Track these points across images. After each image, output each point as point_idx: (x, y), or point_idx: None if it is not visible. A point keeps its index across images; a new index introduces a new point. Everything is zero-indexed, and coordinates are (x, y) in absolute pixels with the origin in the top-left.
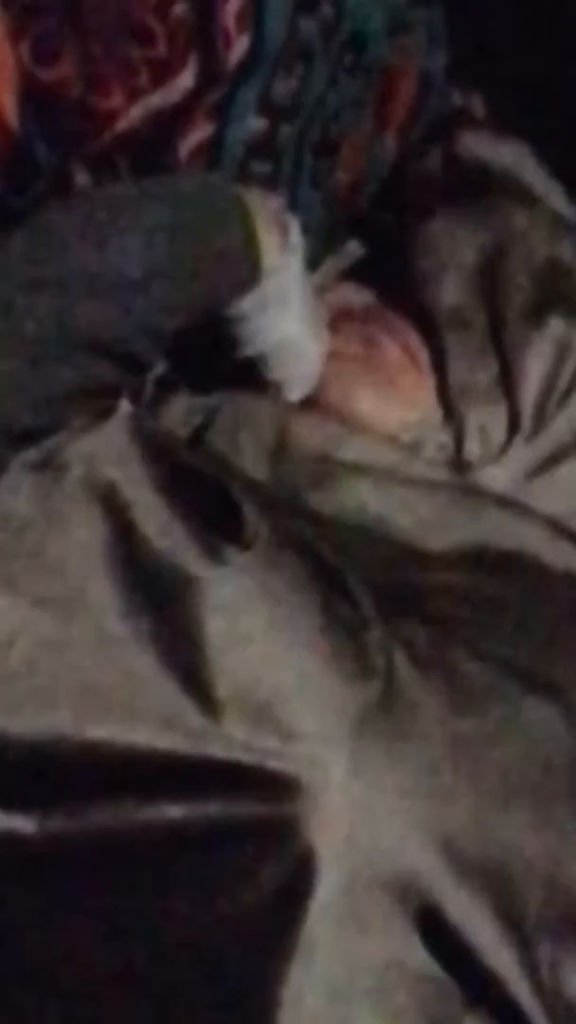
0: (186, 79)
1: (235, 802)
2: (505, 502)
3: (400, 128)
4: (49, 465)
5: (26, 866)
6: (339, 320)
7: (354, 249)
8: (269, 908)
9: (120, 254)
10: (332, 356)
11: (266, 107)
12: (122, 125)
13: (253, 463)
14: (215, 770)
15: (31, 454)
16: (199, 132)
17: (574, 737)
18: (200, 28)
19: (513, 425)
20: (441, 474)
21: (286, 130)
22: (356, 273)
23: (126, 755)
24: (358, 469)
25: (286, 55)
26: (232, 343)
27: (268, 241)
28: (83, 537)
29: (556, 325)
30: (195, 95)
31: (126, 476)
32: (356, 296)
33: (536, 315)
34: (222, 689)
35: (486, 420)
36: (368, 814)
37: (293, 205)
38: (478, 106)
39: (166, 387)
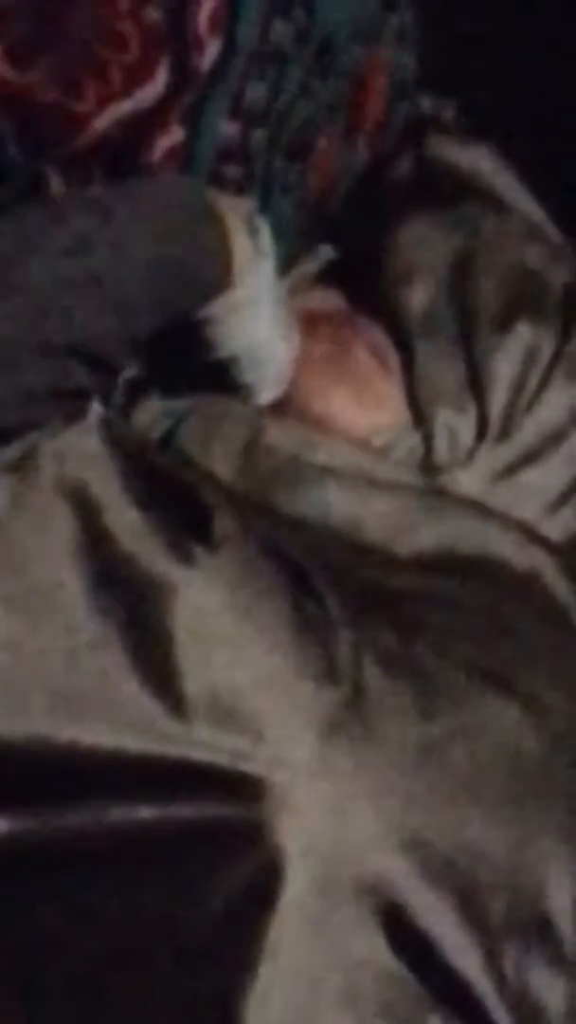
0: (159, 83)
1: (203, 803)
2: (473, 505)
3: (371, 133)
4: (21, 466)
5: None
6: (310, 323)
7: (325, 253)
8: (237, 908)
9: (92, 257)
10: (303, 359)
11: (238, 111)
12: (95, 129)
13: (223, 465)
14: (184, 771)
15: (2, 455)
16: (171, 136)
17: (540, 739)
18: (173, 32)
19: (482, 429)
20: (410, 477)
21: (258, 134)
22: (327, 277)
23: (95, 756)
24: (327, 472)
25: (258, 60)
26: (203, 346)
27: (239, 245)
28: (54, 538)
29: (524, 330)
30: (168, 99)
31: (97, 478)
32: (327, 300)
33: (505, 320)
34: (191, 690)
35: (455, 424)
36: (335, 815)
37: (264, 209)
38: (448, 112)
39: (138, 389)
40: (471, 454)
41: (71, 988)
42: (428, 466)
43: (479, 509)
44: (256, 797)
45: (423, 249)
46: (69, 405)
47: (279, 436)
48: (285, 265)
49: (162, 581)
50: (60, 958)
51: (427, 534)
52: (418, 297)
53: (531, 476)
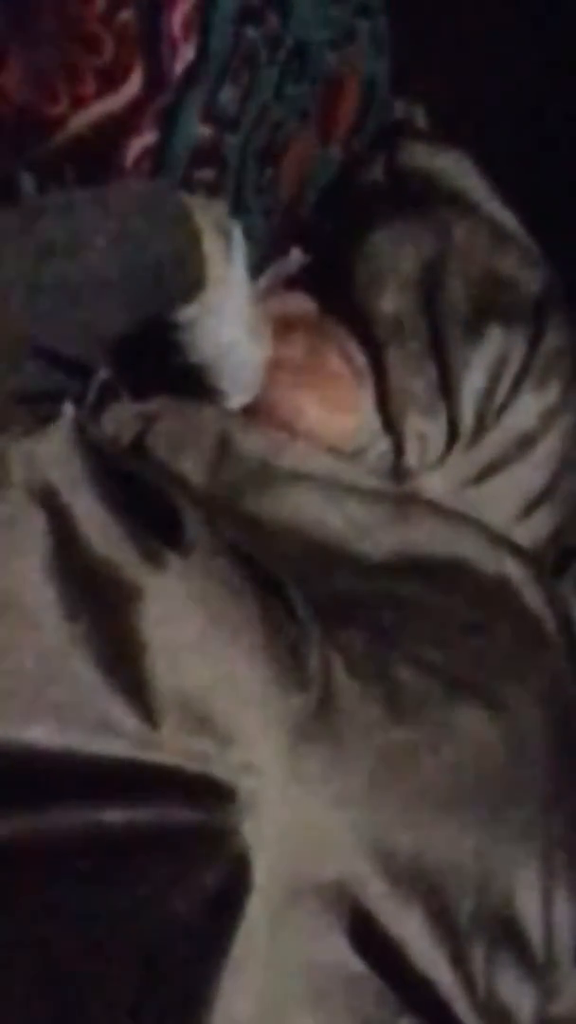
0: (132, 86)
1: (171, 807)
2: (443, 510)
3: (343, 138)
4: None
5: None
6: (281, 328)
7: (296, 257)
8: (204, 912)
9: (64, 261)
10: (274, 364)
11: (211, 115)
12: (68, 131)
13: (194, 469)
14: (152, 775)
15: None
16: (144, 139)
17: (506, 744)
18: (146, 36)
19: (452, 435)
20: (380, 482)
21: (230, 138)
22: (298, 281)
23: (64, 759)
24: (298, 476)
25: (232, 64)
26: (175, 350)
27: (212, 249)
28: (24, 541)
29: (495, 336)
30: (141, 102)
31: (67, 480)
32: (298, 304)
33: (476, 325)
34: (160, 695)
35: (425, 429)
36: (303, 820)
37: (237, 212)
38: (420, 117)
39: (108, 392)
40: (441, 459)
41: (37, 990)
42: (398, 471)
43: (449, 514)
44: (224, 801)
45: (394, 254)
46: (40, 408)
47: (250, 440)
48: (257, 269)
49: (132, 585)
50: (26, 960)
51: (395, 538)
52: (389, 302)
53: (501, 482)
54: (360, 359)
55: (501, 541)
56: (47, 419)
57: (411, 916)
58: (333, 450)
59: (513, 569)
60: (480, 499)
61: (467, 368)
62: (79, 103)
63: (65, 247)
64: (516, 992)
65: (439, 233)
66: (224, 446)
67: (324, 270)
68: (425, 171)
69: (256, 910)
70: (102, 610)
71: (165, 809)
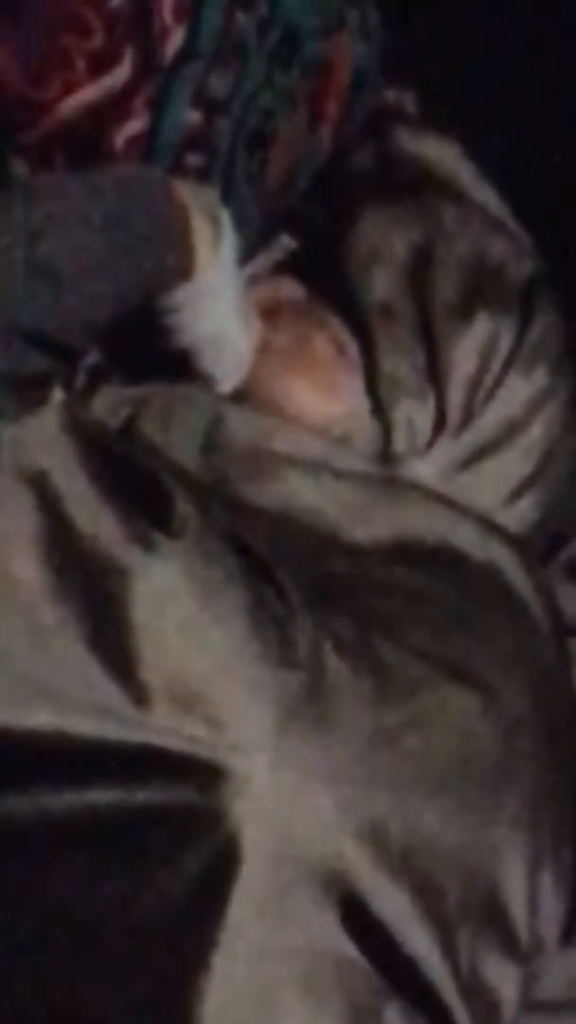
0: (123, 71)
1: (161, 789)
2: (431, 495)
3: (333, 123)
4: None
5: None
6: (270, 313)
7: (286, 243)
8: (193, 894)
9: (54, 243)
10: (263, 349)
11: (201, 100)
12: (58, 116)
13: (184, 453)
14: (142, 757)
15: None
16: (135, 124)
17: (495, 727)
18: (137, 20)
19: (440, 419)
20: (369, 467)
21: (221, 123)
22: (287, 267)
23: (54, 741)
24: (287, 461)
25: (222, 49)
26: (164, 334)
27: (200, 234)
28: (13, 524)
29: (483, 321)
30: (131, 87)
31: (57, 464)
32: (287, 289)
33: (464, 311)
34: (150, 677)
35: (414, 414)
36: (292, 802)
37: (226, 198)
38: (410, 103)
39: (98, 377)
40: (430, 445)
41: (30, 971)
42: (387, 456)
43: (438, 499)
44: (213, 783)
45: (383, 240)
46: (29, 392)
47: (239, 424)
48: (246, 254)
49: (122, 567)
50: (16, 941)
51: (385, 524)
52: (378, 288)
53: (489, 467)
54: (349, 344)
55: (490, 527)
56: (37, 403)
57: (399, 898)
58: (321, 435)
59: (502, 555)
60: (468, 484)
61: (456, 354)
62: (69, 88)
63: (55, 231)
64: (501, 976)
65: (428, 219)
66: (215, 430)
67: (313, 256)
68: (414, 157)
69: (245, 890)
70: (92, 592)
71: (155, 790)
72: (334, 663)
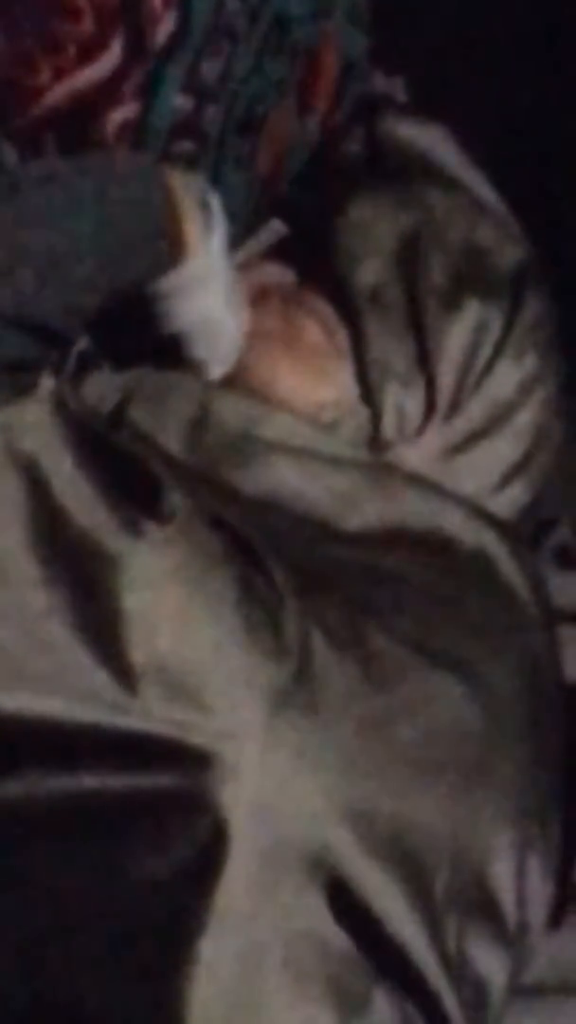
0: (113, 57)
1: (148, 774)
2: (421, 482)
3: (322, 110)
4: None
5: None
6: (259, 299)
7: (275, 229)
8: (181, 879)
9: (43, 230)
10: (252, 335)
11: (191, 86)
12: (48, 102)
13: (173, 439)
14: (130, 742)
15: None
16: (125, 110)
17: (483, 714)
18: (127, 6)
19: (430, 405)
20: (358, 453)
21: (211, 110)
22: (277, 253)
23: (42, 725)
24: (277, 447)
25: (212, 35)
26: (154, 320)
27: (191, 220)
28: (3, 509)
29: (473, 308)
30: (121, 73)
31: (47, 450)
32: (277, 276)
33: (454, 298)
34: (138, 662)
35: (403, 400)
36: (280, 788)
37: (216, 184)
38: (399, 90)
39: (88, 362)
40: (419, 431)
41: (14, 957)
42: (376, 442)
43: (427, 486)
44: (202, 768)
45: (373, 226)
46: (19, 378)
47: (228, 411)
48: (236, 241)
49: (111, 553)
50: (3, 927)
51: (375, 510)
52: (367, 274)
53: (479, 453)
54: (338, 330)
55: (479, 513)
56: (26, 388)
57: (387, 884)
58: (311, 421)
59: (491, 541)
60: (458, 470)
61: (445, 340)
62: (59, 74)
63: (45, 217)
64: (489, 960)
65: (417, 206)
66: (204, 416)
67: (303, 242)
68: (404, 144)
69: (233, 876)
70: (81, 578)
71: (143, 775)
72: (323, 650)
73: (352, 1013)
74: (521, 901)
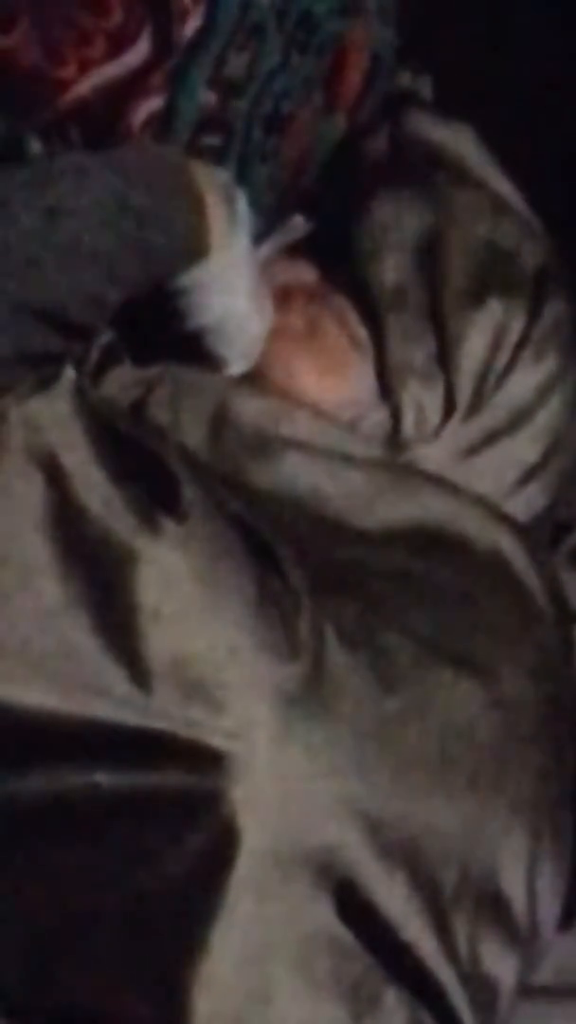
0: (140, 50)
1: (161, 772)
2: (438, 481)
3: (349, 107)
4: None
5: None
6: (282, 296)
7: (299, 225)
8: (191, 877)
9: (69, 222)
10: (274, 332)
11: (218, 81)
12: (75, 94)
13: (192, 435)
14: (143, 739)
15: None
16: (151, 104)
17: (495, 715)
18: (156, 1)
19: (449, 405)
20: (377, 452)
21: (237, 105)
22: (300, 250)
23: (55, 721)
24: (296, 444)
25: (239, 30)
26: (176, 315)
27: (215, 215)
28: (22, 503)
29: (494, 307)
30: (149, 67)
31: (67, 444)
32: (299, 272)
33: (475, 296)
34: (153, 660)
35: (423, 399)
36: (292, 788)
37: (241, 179)
38: (425, 88)
39: (109, 356)
40: (438, 430)
41: (23, 952)
42: (395, 441)
43: (445, 485)
44: (213, 767)
45: (395, 224)
46: (41, 371)
47: (248, 407)
48: (260, 236)
49: (128, 550)
50: (15, 922)
51: (392, 509)
52: (389, 272)
53: (497, 453)
54: (359, 328)
55: (496, 514)
56: (48, 381)
57: (397, 884)
58: (330, 419)
59: (507, 542)
60: (476, 470)
61: (466, 339)
62: (87, 66)
63: (70, 209)
64: (499, 962)
65: (440, 204)
66: (224, 413)
67: (325, 239)
68: (428, 142)
69: (243, 875)
70: (97, 573)
71: (156, 773)
72: (336, 649)
73: (363, 1012)
74: (531, 903)
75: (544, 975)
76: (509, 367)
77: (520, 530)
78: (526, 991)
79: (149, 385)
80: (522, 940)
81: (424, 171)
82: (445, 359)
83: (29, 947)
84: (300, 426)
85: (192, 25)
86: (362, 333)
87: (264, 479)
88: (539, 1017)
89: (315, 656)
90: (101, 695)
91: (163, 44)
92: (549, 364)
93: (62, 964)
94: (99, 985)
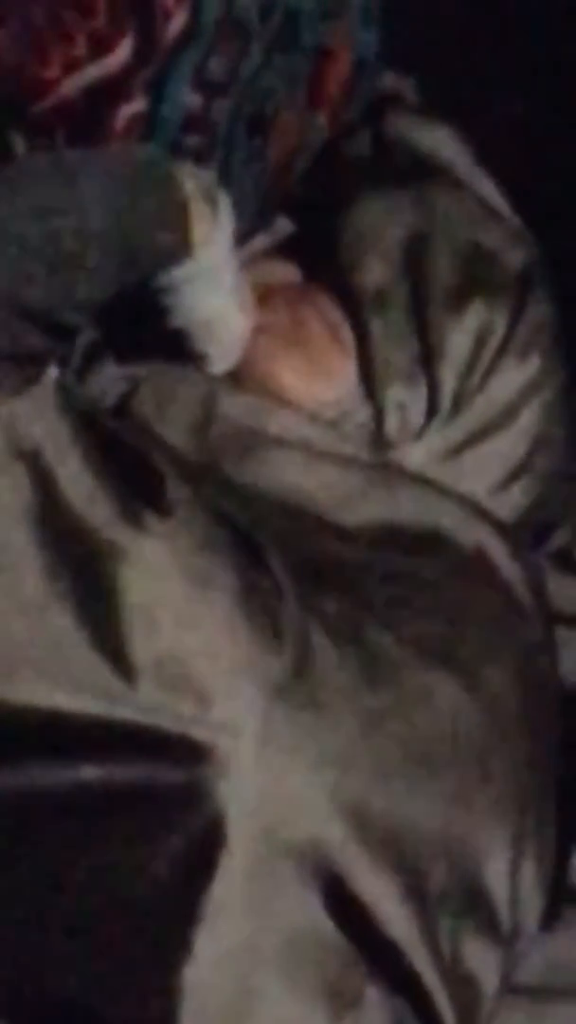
0: (124, 51)
1: (147, 765)
2: (421, 480)
3: (332, 108)
4: None
5: None
6: (265, 296)
7: (282, 226)
8: (178, 873)
9: (52, 222)
10: (258, 331)
11: (201, 82)
12: (59, 95)
13: (177, 433)
14: (129, 734)
15: None
16: (135, 104)
17: (479, 711)
18: (139, 1)
19: (432, 405)
20: (360, 451)
21: (220, 105)
22: (283, 250)
23: (41, 716)
24: (279, 443)
25: (222, 31)
26: (160, 314)
27: (199, 215)
28: (6, 500)
29: (477, 308)
30: (132, 67)
31: (50, 441)
32: (283, 273)
33: (458, 298)
34: (138, 654)
35: (406, 399)
36: (278, 782)
37: (225, 180)
38: (409, 90)
39: (93, 355)
40: (421, 430)
41: (11, 948)
42: (378, 441)
43: (428, 485)
44: (199, 761)
45: (379, 226)
46: (24, 369)
47: (232, 406)
48: (243, 237)
49: (112, 545)
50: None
51: (375, 508)
52: (373, 273)
53: (480, 453)
54: (343, 328)
55: (479, 513)
56: (32, 380)
57: (382, 880)
58: (313, 418)
59: (491, 541)
60: (459, 470)
61: (449, 340)
62: (70, 67)
63: (54, 208)
64: (481, 959)
65: (424, 205)
66: (208, 410)
67: (309, 240)
68: (412, 144)
69: (229, 870)
70: (83, 570)
71: (141, 768)
72: (321, 645)
73: (344, 1009)
74: (514, 901)
75: (534, 974)
76: (492, 368)
77: (503, 530)
78: (510, 989)
79: (133, 383)
80: (505, 938)
81: (407, 173)
82: (428, 360)
83: (13, 942)
84: (283, 424)
85: (175, 26)
86: (346, 333)
87: (248, 476)
88: (523, 1016)
89: (300, 650)
90: (86, 690)
91: (147, 45)
92: (532, 365)
93: (46, 960)
94: (84, 980)
